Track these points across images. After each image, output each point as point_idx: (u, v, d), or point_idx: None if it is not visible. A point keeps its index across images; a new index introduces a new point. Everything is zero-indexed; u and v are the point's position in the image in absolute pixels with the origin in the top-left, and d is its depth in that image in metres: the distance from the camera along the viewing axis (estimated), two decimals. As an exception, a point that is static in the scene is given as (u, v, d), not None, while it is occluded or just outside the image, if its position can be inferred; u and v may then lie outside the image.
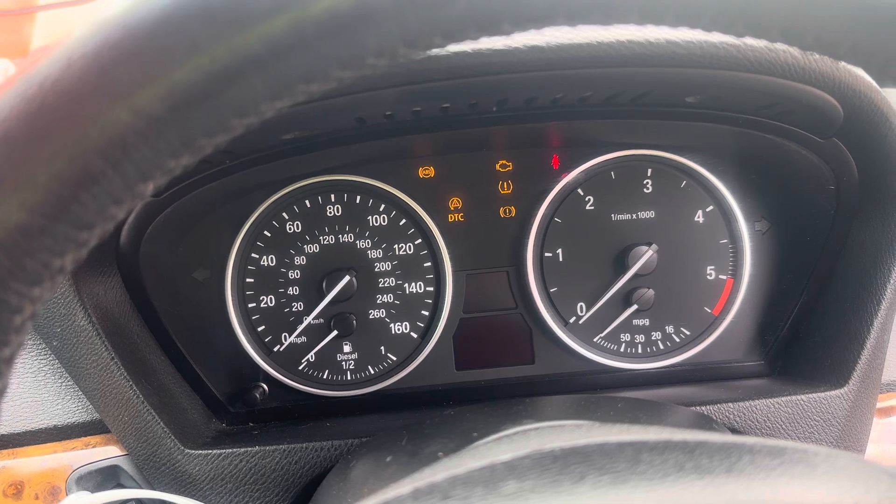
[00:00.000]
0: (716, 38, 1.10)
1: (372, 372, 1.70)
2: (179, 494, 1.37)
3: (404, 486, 0.60)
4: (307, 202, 1.66)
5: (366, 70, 0.52)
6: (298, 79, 0.50)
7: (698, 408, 1.44)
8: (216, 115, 0.49)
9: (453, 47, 1.08)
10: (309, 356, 1.67)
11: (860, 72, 1.21)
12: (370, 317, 1.69)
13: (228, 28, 0.46)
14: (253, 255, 1.66)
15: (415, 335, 1.70)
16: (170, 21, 0.46)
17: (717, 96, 1.32)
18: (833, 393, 1.44)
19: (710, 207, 1.68)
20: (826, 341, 1.54)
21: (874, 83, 1.22)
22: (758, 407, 1.45)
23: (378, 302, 1.69)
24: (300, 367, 1.68)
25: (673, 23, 0.55)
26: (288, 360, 1.68)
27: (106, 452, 1.45)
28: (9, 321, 0.48)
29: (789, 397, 1.45)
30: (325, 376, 1.69)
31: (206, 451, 1.38)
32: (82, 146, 0.46)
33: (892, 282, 1.43)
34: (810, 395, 1.45)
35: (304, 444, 1.40)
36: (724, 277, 1.69)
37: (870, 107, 1.24)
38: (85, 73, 0.46)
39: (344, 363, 1.69)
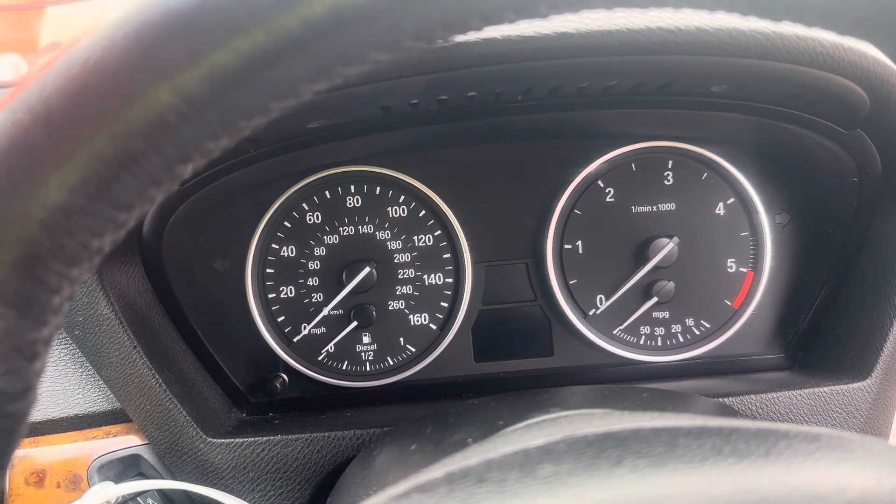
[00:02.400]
0: (745, 25, 1.09)
1: (391, 363, 1.70)
2: (201, 484, 1.37)
3: (437, 471, 0.60)
4: (327, 193, 1.66)
5: (403, 53, 0.52)
6: (337, 61, 0.49)
7: (721, 399, 1.44)
8: (256, 96, 0.49)
9: (482, 34, 1.08)
10: (329, 347, 1.67)
11: (889, 62, 1.20)
12: (389, 308, 1.69)
13: (269, 10, 0.46)
14: (273, 245, 1.66)
15: (434, 327, 1.70)
16: (211, 2, 0.46)
17: (743, 86, 1.31)
18: (855, 385, 1.44)
19: (731, 200, 1.67)
20: (847, 334, 1.53)
21: (902, 73, 1.22)
22: (779, 399, 1.44)
23: (397, 293, 1.69)
24: (320, 358, 1.68)
25: (711, 6, 0.55)
26: (308, 351, 1.68)
27: (127, 441, 1.45)
28: (48, 301, 0.48)
29: (811, 389, 1.44)
30: (344, 367, 1.69)
31: (228, 440, 1.39)
32: (124, 126, 0.46)
33: (915, 274, 1.42)
34: (832, 388, 1.44)
35: (326, 434, 1.40)
36: (744, 270, 1.69)
37: (897, 97, 1.23)
38: (127, 54, 0.46)
39: (363, 354, 1.69)
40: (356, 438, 1.40)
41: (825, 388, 1.44)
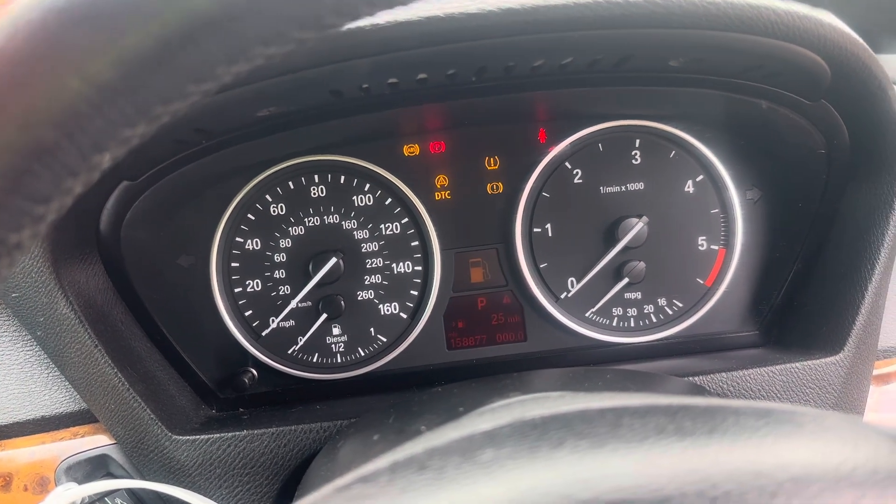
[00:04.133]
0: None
1: (362, 354, 1.68)
2: (168, 483, 1.35)
3: (383, 461, 0.59)
4: (291, 184, 1.64)
5: (326, 31, 0.50)
6: (255, 41, 0.48)
7: (691, 378, 1.43)
8: (171, 81, 0.47)
9: (424, 12, 1.05)
10: (299, 340, 1.65)
11: (846, 28, 1.18)
12: (358, 298, 1.67)
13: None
14: (237, 239, 1.64)
15: (404, 315, 1.69)
16: (118, -16, 0.45)
17: (700, 59, 1.29)
18: (828, 360, 1.43)
19: (700, 177, 1.66)
20: (821, 308, 1.52)
21: (861, 40, 1.20)
22: (751, 376, 1.43)
23: (366, 283, 1.67)
24: (290, 352, 1.66)
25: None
26: (276, 345, 1.66)
27: (94, 442, 1.44)
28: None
29: (783, 365, 1.43)
30: (314, 360, 1.67)
31: (193, 437, 1.37)
32: (32, 116, 0.45)
33: (886, 245, 1.41)
34: (805, 363, 1.43)
35: (294, 427, 1.38)
36: (715, 248, 1.68)
37: (857, 64, 1.21)
38: (31, 41, 0.45)
39: (333, 346, 1.67)
40: (323, 431, 1.38)
41: (797, 364, 1.43)
